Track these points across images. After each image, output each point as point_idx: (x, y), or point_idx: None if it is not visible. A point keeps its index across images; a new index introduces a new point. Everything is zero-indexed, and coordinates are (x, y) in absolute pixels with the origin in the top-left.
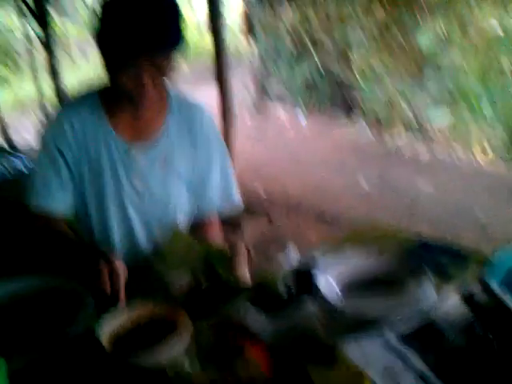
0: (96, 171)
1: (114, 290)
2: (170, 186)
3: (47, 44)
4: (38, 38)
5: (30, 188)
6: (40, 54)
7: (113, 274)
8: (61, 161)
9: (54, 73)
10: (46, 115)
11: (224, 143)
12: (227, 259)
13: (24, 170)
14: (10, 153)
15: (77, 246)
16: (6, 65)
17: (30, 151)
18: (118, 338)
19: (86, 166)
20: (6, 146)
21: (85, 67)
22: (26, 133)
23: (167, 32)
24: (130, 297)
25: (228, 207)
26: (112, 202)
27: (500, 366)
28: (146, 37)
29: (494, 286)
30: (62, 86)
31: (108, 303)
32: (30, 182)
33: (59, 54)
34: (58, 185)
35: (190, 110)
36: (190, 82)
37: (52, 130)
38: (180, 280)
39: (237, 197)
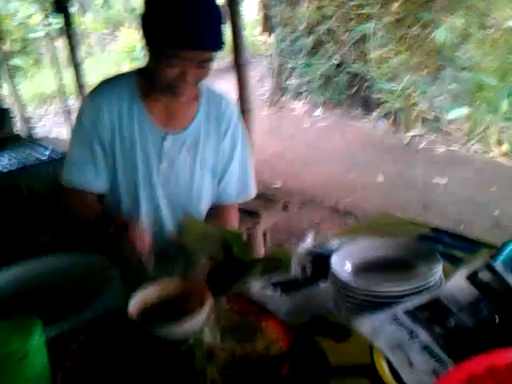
0: (128, 152)
1: (142, 248)
2: (195, 173)
3: (68, 37)
4: (59, 31)
5: (65, 164)
6: (61, 48)
7: (139, 235)
8: (95, 139)
9: (75, 66)
10: (67, 107)
11: (246, 135)
12: (243, 241)
13: (44, 159)
14: (31, 142)
15: (106, 217)
16: (28, 58)
17: (50, 141)
18: (145, 311)
19: (118, 146)
20: (26, 136)
21: (104, 60)
22: (47, 124)
23: (217, 32)
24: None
25: (244, 197)
26: (142, 183)
27: (502, 342)
28: (200, 34)
29: (499, 267)
30: (83, 79)
31: (135, 268)
32: (65, 158)
33: (79, 47)
34: (92, 163)
35: (218, 102)
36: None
37: (89, 109)
38: (201, 260)
39: (253, 187)
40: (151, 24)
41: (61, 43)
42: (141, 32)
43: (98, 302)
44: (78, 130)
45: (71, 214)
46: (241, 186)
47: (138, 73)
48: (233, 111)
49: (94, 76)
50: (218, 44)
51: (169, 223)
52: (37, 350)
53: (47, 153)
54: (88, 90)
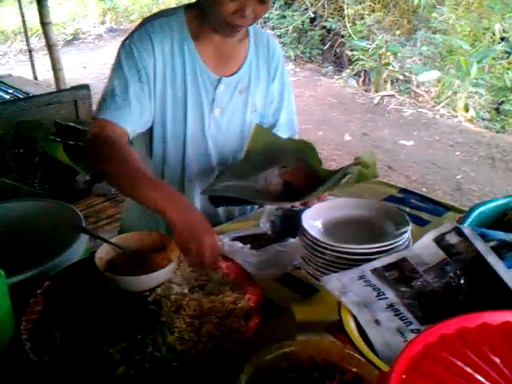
0: (179, 98)
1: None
2: (246, 118)
3: None
4: None
5: (102, 100)
6: None
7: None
8: (144, 75)
9: (39, 2)
10: (31, 45)
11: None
12: (316, 151)
13: (8, 97)
14: None
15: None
16: None
17: (13, 80)
18: (113, 262)
19: (170, 91)
20: None
21: None
22: (10, 62)
23: None
24: None
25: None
26: (190, 131)
27: (467, 304)
28: None
29: (467, 230)
30: (47, 17)
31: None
32: (104, 95)
33: None
34: (137, 100)
35: (265, 41)
36: None
37: (140, 41)
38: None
39: (297, 127)
40: None
41: None
42: None
43: (64, 253)
44: (124, 62)
45: (100, 156)
46: (289, 128)
47: (188, 9)
48: (279, 50)
49: (59, 15)
50: None
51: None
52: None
53: (10, 91)
54: (52, 28)
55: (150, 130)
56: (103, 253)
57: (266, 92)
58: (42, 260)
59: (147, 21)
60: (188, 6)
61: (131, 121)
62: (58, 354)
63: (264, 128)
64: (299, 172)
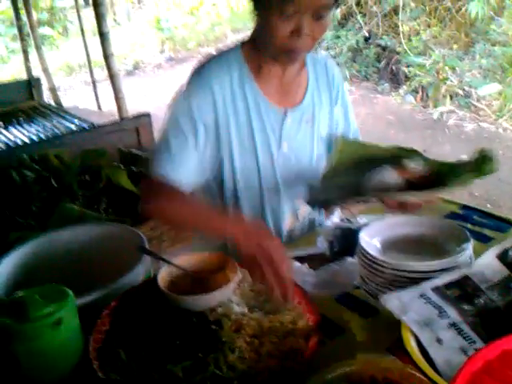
0: (246, 135)
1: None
2: (314, 147)
3: (95, 6)
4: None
5: (157, 156)
6: (88, 17)
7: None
8: (201, 126)
9: (102, 35)
10: (94, 78)
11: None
12: (424, 156)
13: (74, 128)
14: (60, 112)
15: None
16: (56, 27)
17: (79, 111)
18: (174, 282)
19: (235, 133)
20: (55, 106)
21: (130, 30)
22: (74, 94)
23: None
24: None
25: None
26: (262, 170)
27: None
28: None
29: None
30: (109, 49)
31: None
32: (159, 151)
33: (106, 16)
34: (195, 153)
35: (323, 65)
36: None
37: (197, 90)
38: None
39: None
40: None
41: (88, 12)
42: None
43: (129, 274)
44: (181, 117)
45: (158, 213)
46: None
47: (244, 45)
48: (339, 72)
49: (120, 46)
50: None
51: (286, 210)
52: (70, 315)
53: (76, 122)
54: (114, 60)
55: (220, 173)
56: (165, 273)
57: (331, 118)
58: (108, 282)
59: (204, 65)
60: (243, 43)
61: (188, 176)
62: (124, 371)
63: (349, 140)
64: (416, 168)
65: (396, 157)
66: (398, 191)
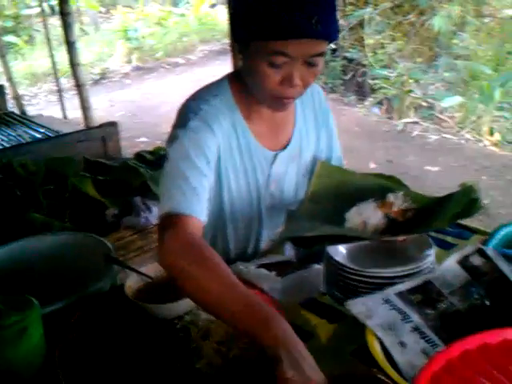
0: (240, 182)
1: None
2: (299, 181)
3: (63, 15)
4: (53, 9)
5: (169, 196)
6: (55, 26)
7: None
8: (206, 166)
9: (69, 44)
10: (60, 87)
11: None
12: (408, 188)
13: (39, 137)
14: (25, 120)
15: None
16: (21, 35)
17: (44, 120)
18: (141, 290)
19: (232, 175)
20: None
21: (98, 40)
22: (40, 103)
23: (332, 17)
24: None
25: None
26: (249, 202)
27: (492, 325)
28: (312, 19)
29: (490, 251)
30: (76, 58)
31: None
32: (166, 189)
33: (74, 25)
34: (203, 193)
35: (308, 93)
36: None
37: (200, 129)
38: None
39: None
40: (249, 16)
41: (55, 21)
42: (232, 32)
43: (95, 283)
44: (191, 148)
45: (183, 269)
46: None
47: (232, 82)
48: (322, 95)
49: (87, 55)
50: (333, 32)
51: (265, 236)
52: (34, 324)
53: (42, 130)
54: (81, 69)
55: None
56: (132, 282)
57: (317, 147)
58: (74, 291)
59: (196, 107)
60: (232, 77)
61: (203, 210)
62: (90, 381)
63: (330, 165)
64: (398, 203)
65: (379, 189)
66: (379, 232)
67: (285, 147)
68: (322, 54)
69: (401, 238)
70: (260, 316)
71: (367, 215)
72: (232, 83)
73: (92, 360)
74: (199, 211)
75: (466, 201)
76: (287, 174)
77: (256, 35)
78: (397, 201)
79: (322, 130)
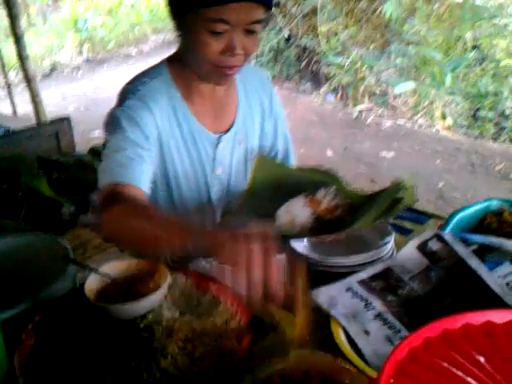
0: (183, 161)
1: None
2: (247, 165)
3: (8, 7)
4: None
5: (106, 168)
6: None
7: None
8: (150, 139)
9: (16, 37)
10: (8, 80)
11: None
12: (343, 182)
13: None
14: None
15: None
16: None
17: None
18: (102, 291)
19: (175, 156)
20: None
21: (46, 31)
22: None
23: None
24: None
25: None
26: (199, 194)
27: (452, 308)
28: None
29: (447, 236)
30: (24, 51)
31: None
32: (105, 162)
33: (20, 17)
34: (142, 163)
35: (252, 76)
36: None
37: (138, 108)
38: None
39: (293, 158)
40: None
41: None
42: (169, 5)
43: (53, 285)
44: (127, 125)
45: (119, 220)
46: (283, 158)
47: (170, 63)
48: (269, 80)
49: (36, 48)
50: None
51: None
52: None
53: None
54: (30, 62)
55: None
56: (92, 283)
57: (262, 129)
58: (32, 294)
59: (133, 89)
60: (169, 59)
61: (143, 180)
62: None
63: (268, 158)
64: (328, 200)
65: (312, 183)
66: (307, 230)
67: (228, 129)
68: (260, 22)
69: (327, 238)
70: (195, 225)
71: (296, 213)
72: (170, 65)
73: (54, 365)
74: (138, 180)
75: (390, 200)
76: (234, 158)
77: (197, 2)
78: (327, 197)
79: (267, 113)
